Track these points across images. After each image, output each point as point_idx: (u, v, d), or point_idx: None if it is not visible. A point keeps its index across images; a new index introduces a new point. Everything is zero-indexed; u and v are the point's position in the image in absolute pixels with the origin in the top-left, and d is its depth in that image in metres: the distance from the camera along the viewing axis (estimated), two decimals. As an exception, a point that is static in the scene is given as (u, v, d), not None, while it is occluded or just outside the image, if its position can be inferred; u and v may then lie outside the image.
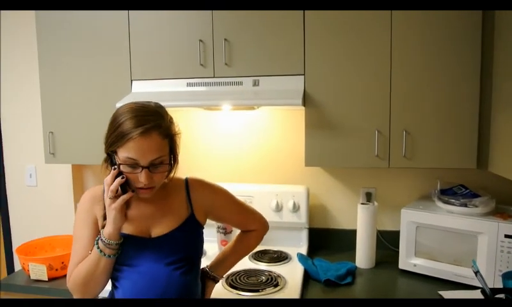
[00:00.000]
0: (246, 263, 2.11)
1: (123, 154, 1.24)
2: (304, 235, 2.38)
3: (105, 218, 1.31)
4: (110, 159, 1.32)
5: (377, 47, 1.95)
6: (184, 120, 2.55)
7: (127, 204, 1.30)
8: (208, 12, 2.06)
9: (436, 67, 1.91)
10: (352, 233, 2.22)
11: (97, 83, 2.24)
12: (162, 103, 2.17)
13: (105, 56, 2.21)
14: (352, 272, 2.05)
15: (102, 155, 2.24)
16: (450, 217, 1.94)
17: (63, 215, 2.70)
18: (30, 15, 2.53)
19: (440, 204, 2.02)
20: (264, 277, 1.95)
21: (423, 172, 2.30)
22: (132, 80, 2.20)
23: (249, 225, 1.63)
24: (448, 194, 2.08)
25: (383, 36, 1.94)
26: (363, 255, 2.15)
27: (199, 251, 1.47)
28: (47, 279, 2.00)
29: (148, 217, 1.39)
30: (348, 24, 1.97)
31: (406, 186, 2.35)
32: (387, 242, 2.35)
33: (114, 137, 1.25)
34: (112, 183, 1.25)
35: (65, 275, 2.00)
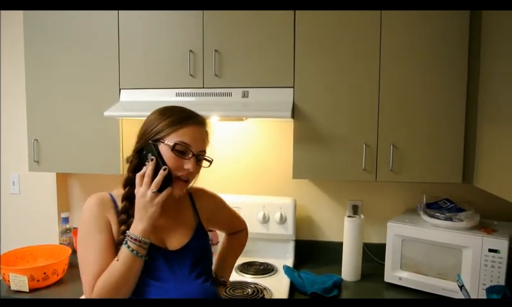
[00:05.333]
0: (231, 275, 2.08)
1: (174, 139, 1.26)
2: (290, 247, 2.38)
3: (121, 223, 1.27)
4: (138, 156, 1.30)
5: (366, 61, 1.98)
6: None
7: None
8: (200, 22, 2.06)
9: (424, 82, 1.94)
10: (339, 245, 2.22)
11: (85, 91, 2.22)
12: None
13: (93, 64, 2.20)
14: (339, 285, 2.05)
15: (89, 164, 2.25)
16: (436, 230, 1.95)
17: (46, 225, 2.66)
18: (16, 18, 2.50)
19: (425, 217, 2.04)
20: (249, 290, 1.93)
21: (409, 186, 2.32)
22: (120, 89, 2.18)
23: (237, 226, 1.69)
24: (434, 207, 2.10)
25: (372, 51, 1.97)
26: (349, 268, 2.16)
27: (212, 258, 1.49)
28: (27, 291, 1.95)
29: (161, 228, 1.34)
30: (338, 38, 1.99)
31: (392, 199, 2.37)
32: (373, 255, 2.36)
33: (168, 122, 1.27)
34: (152, 175, 1.23)
35: (47, 287, 1.99)
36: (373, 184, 2.36)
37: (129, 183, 1.31)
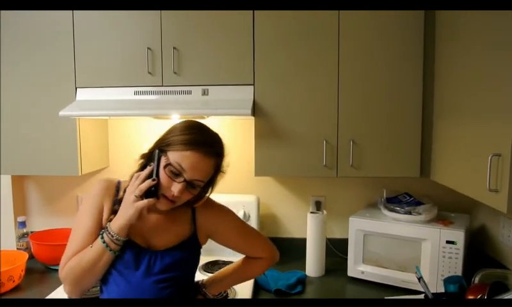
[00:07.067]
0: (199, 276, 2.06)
1: (175, 158, 1.23)
2: (255, 245, 2.37)
3: (113, 212, 1.29)
4: (149, 157, 1.30)
5: (325, 58, 1.99)
6: (132, 129, 2.49)
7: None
8: (157, 19, 2.02)
9: (381, 79, 1.97)
10: (302, 241, 2.24)
11: (39, 90, 2.14)
12: (109, 112, 2.12)
13: (48, 62, 2.12)
14: (303, 281, 2.07)
15: (46, 165, 2.17)
16: (396, 224, 1.99)
17: (2, 230, 2.54)
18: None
19: (386, 212, 2.07)
20: (213, 289, 1.91)
21: (370, 181, 2.35)
22: (76, 88, 2.11)
23: (255, 252, 1.54)
24: (394, 202, 2.14)
25: (331, 47, 1.98)
26: (313, 263, 2.17)
27: (192, 272, 1.44)
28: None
29: (150, 227, 1.34)
30: (297, 35, 2.00)
31: (353, 194, 2.40)
32: (336, 250, 2.38)
33: (178, 139, 1.25)
34: (143, 179, 1.24)
35: (2, 294, 1.92)
36: (335, 180, 2.38)
37: None
